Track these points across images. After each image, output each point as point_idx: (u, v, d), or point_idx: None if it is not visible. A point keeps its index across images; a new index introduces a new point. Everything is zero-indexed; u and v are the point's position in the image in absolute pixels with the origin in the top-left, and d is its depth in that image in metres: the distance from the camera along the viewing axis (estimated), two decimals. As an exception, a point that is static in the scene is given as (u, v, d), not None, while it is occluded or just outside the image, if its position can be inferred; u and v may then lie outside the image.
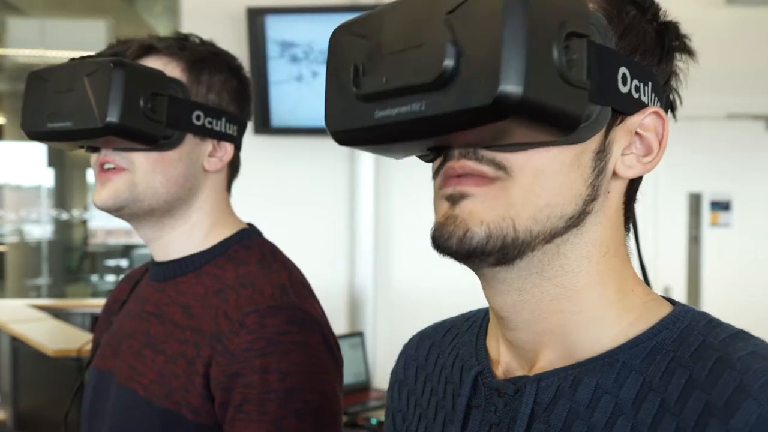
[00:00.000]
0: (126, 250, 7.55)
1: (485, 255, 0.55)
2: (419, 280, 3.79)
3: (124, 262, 7.56)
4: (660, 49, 0.61)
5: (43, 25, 4.93)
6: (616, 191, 0.60)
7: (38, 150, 6.51)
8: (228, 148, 1.04)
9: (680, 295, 3.92)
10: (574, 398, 0.58)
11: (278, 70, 3.75)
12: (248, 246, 1.04)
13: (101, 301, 4.76)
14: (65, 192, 6.86)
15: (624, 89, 0.56)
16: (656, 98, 0.60)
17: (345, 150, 3.80)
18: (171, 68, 0.98)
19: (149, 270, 1.09)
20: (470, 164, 0.55)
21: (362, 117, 0.55)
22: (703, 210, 3.93)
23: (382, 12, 0.56)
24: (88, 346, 2.44)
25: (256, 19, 3.68)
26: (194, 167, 1.01)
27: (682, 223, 3.93)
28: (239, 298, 0.93)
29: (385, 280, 3.79)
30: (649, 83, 0.59)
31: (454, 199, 0.56)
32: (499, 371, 0.65)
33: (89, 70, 0.91)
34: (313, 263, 3.78)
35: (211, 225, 1.04)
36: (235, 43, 3.86)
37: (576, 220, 0.57)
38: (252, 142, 3.94)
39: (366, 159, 3.72)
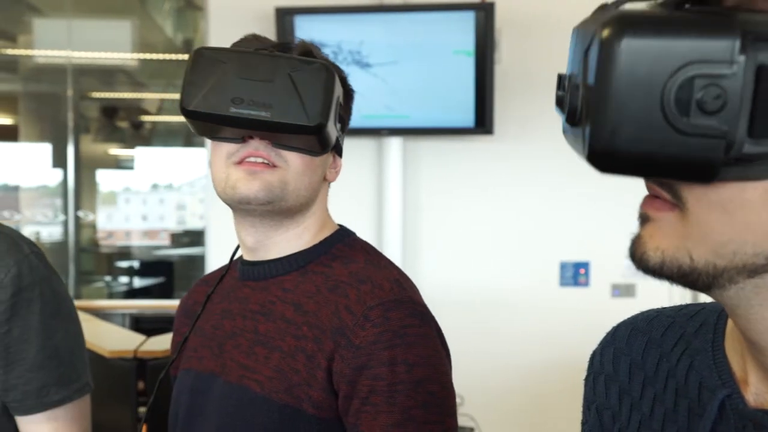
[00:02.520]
0: (140, 252, 7.53)
1: (666, 278, 0.54)
2: (447, 277, 3.80)
3: (136, 264, 7.54)
4: None
5: (69, 25, 4.94)
6: None
7: (48, 151, 6.52)
8: (339, 162, 1.08)
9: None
10: None
11: (306, 70, 3.74)
12: (350, 244, 1.06)
13: (137, 303, 4.75)
14: (80, 193, 6.86)
15: None
16: None
17: (373, 149, 3.80)
18: None
19: (239, 270, 1.09)
20: (655, 186, 0.54)
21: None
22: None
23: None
24: (145, 347, 2.44)
25: (284, 19, 3.68)
26: (322, 176, 1.05)
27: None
28: (360, 293, 0.95)
29: (413, 277, 3.78)
30: None
31: (642, 220, 0.56)
32: (749, 395, 0.59)
33: (294, 66, 0.92)
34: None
35: (319, 228, 1.07)
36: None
37: None
38: (279, 142, 3.95)
39: (394, 158, 3.72)
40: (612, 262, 3.89)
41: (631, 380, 0.71)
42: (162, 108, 8.37)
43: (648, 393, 0.68)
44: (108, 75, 6.46)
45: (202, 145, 8.66)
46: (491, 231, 3.81)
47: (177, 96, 5.47)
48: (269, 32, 3.79)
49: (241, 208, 1.01)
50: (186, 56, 6.89)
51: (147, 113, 7.97)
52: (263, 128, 0.93)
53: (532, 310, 3.83)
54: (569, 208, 3.89)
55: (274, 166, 0.97)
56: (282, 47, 1.01)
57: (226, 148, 0.99)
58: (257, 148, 0.96)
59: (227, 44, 3.99)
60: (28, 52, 5.28)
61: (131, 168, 8.08)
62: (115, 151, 7.91)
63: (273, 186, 0.96)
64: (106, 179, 8.27)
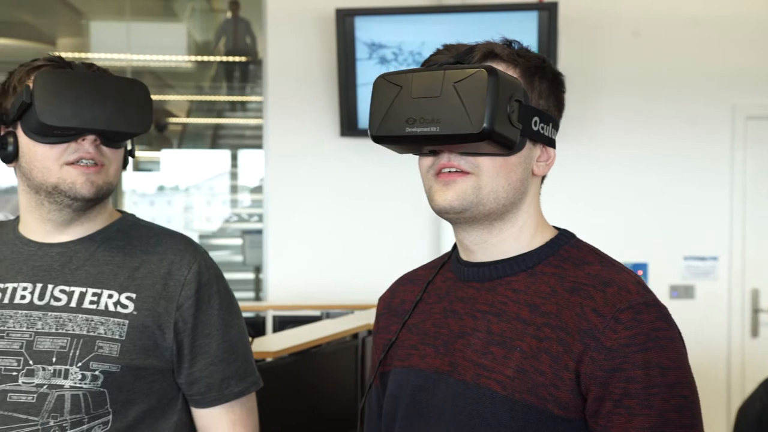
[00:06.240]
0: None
1: None
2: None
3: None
4: None
5: (128, 28, 4.96)
6: None
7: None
8: (551, 153, 1.05)
9: (768, 298, 3.90)
10: None
11: (367, 71, 3.74)
12: (577, 246, 1.05)
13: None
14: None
15: None
16: None
17: (433, 152, 3.79)
18: (510, 74, 0.99)
19: (457, 270, 1.08)
20: None
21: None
22: (791, 211, 3.91)
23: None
24: (253, 348, 2.42)
25: (344, 20, 3.68)
26: (527, 171, 1.02)
27: (770, 224, 3.91)
28: (607, 296, 0.94)
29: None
30: None
31: None
32: None
33: (458, 77, 0.94)
34: (397, 262, 3.75)
35: (535, 227, 1.05)
36: (323, 45, 3.85)
37: None
38: (339, 143, 3.95)
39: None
40: (671, 264, 3.87)
41: None
42: (191, 110, 8.38)
43: None
44: (135, 76, 6.47)
45: (226, 147, 8.67)
46: (550, 232, 3.79)
47: (206, 98, 5.41)
48: (329, 33, 3.78)
49: (443, 218, 1.03)
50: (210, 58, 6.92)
51: (172, 115, 7.99)
52: (436, 142, 0.97)
53: (591, 312, 3.81)
54: (628, 209, 3.88)
55: (467, 173, 0.99)
56: (465, 52, 1.01)
57: (425, 161, 1.02)
58: (449, 159, 0.99)
59: (285, 44, 3.98)
60: (87, 55, 5.30)
61: (149, 170, 8.08)
62: (138, 153, 7.90)
63: (466, 194, 0.98)
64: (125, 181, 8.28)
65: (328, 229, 3.94)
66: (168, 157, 8.21)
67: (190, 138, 8.55)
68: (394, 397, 1.08)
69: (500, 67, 0.99)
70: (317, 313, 3.29)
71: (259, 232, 4.96)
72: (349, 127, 3.81)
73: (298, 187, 3.98)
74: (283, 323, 3.12)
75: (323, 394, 2.30)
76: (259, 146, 4.31)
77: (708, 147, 3.87)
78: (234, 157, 8.49)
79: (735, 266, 3.88)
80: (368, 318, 2.75)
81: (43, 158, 1.19)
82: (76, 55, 5.35)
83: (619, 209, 3.88)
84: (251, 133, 7.86)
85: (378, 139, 1.00)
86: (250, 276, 5.91)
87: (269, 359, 2.10)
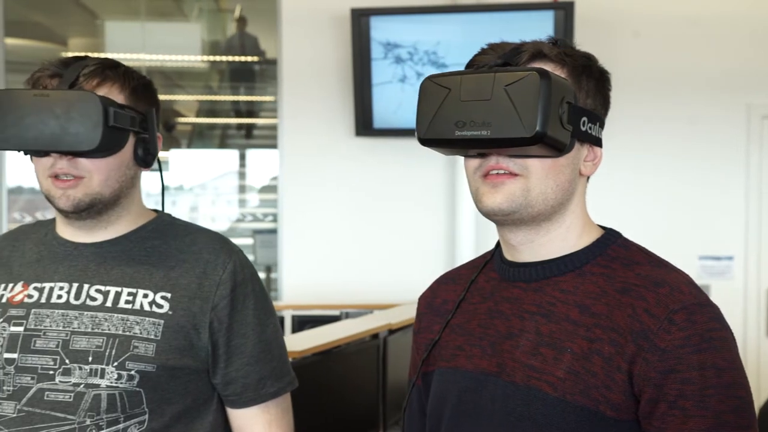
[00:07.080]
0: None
1: None
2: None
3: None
4: None
5: (143, 28, 4.97)
6: None
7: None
8: (598, 153, 1.04)
9: (784, 297, 3.89)
10: None
11: (381, 71, 3.74)
12: (625, 245, 1.04)
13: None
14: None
15: None
16: None
17: (448, 151, 3.78)
18: (558, 74, 0.98)
19: (501, 270, 1.07)
20: None
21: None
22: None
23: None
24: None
25: (360, 20, 3.67)
26: (575, 172, 1.01)
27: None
28: (659, 296, 0.93)
29: (489, 282, 3.76)
30: None
31: None
32: None
33: (509, 80, 0.93)
34: (413, 262, 3.77)
35: (582, 226, 1.05)
36: (338, 44, 3.85)
37: None
38: (354, 143, 3.95)
39: (470, 160, 3.70)
40: (686, 263, 3.85)
41: None
42: (200, 110, 8.38)
43: None
44: (149, 76, 6.47)
45: (235, 147, 8.67)
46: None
47: (216, 98, 5.42)
48: (344, 33, 3.78)
49: (490, 219, 1.02)
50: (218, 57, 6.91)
51: (181, 115, 7.99)
52: (487, 146, 0.96)
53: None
54: (643, 208, 3.87)
55: (515, 174, 0.97)
56: (512, 53, 1.00)
57: (472, 163, 1.01)
58: (498, 161, 0.98)
59: (300, 44, 3.96)
60: (102, 55, 5.31)
61: (156, 170, 8.03)
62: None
63: (515, 196, 0.97)
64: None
65: (343, 229, 3.95)
66: (176, 156, 8.21)
67: (199, 138, 8.55)
68: (439, 397, 1.08)
69: (548, 67, 0.98)
70: (336, 312, 3.29)
71: (270, 231, 4.97)
72: (364, 126, 3.81)
73: (312, 186, 3.98)
74: (301, 323, 3.12)
75: (344, 394, 2.29)
76: (269, 146, 4.30)
77: (722, 146, 3.86)
78: (242, 157, 8.49)
79: (750, 266, 3.87)
80: (388, 318, 2.74)
81: (37, 171, 1.22)
82: (90, 55, 5.36)
83: (633, 207, 3.87)
84: (259, 132, 7.86)
85: (425, 142, 0.99)
86: (261, 275, 5.92)
87: (291, 359, 2.10)
